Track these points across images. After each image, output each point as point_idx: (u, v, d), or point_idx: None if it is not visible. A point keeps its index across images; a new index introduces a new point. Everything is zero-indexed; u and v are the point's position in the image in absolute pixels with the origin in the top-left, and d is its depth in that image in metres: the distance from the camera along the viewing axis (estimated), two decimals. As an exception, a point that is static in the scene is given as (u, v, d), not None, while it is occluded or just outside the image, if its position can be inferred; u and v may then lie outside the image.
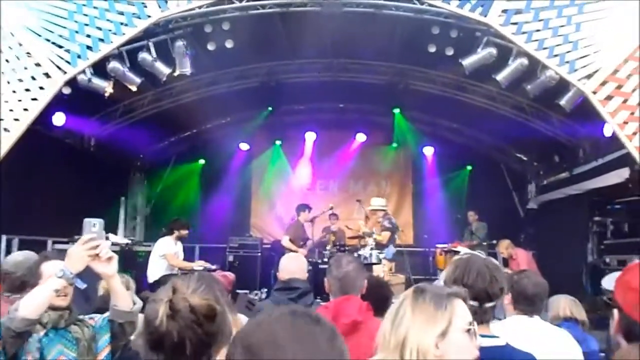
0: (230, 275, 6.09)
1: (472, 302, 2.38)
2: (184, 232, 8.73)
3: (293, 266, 4.09)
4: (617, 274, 1.92)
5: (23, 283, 3.43)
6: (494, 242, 10.90)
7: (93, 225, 2.59)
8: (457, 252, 10.61)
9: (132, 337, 3.00)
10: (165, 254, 8.39)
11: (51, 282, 2.53)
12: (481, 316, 2.40)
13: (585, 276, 10.58)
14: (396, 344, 1.69)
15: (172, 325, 1.58)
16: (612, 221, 10.17)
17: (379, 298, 3.82)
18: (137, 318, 2.79)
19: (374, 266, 8.76)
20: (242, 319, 4.23)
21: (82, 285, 2.88)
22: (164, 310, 1.59)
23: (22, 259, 3.67)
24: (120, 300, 2.73)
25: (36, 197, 9.01)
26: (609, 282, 1.90)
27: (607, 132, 8.51)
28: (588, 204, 10.72)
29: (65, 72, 7.28)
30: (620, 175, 8.92)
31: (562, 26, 7.03)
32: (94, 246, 2.53)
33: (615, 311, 1.71)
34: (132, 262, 9.38)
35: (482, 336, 2.39)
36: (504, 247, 9.88)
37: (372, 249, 9.00)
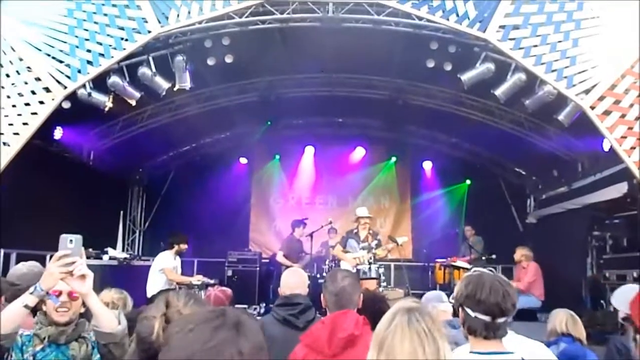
0: (228, 290, 6.03)
1: (484, 317, 2.39)
2: (184, 246, 8.70)
3: (294, 281, 4.06)
4: (627, 291, 1.85)
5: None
6: (493, 256, 10.88)
7: (69, 242, 2.49)
8: (456, 267, 10.61)
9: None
10: (163, 268, 8.35)
11: (22, 298, 2.48)
12: (493, 331, 2.40)
13: (584, 290, 10.56)
14: None
15: None
16: (611, 235, 10.15)
17: (375, 312, 3.80)
18: (122, 339, 2.65)
19: (367, 281, 8.65)
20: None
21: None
22: (160, 325, 1.59)
23: (26, 270, 3.67)
24: (99, 321, 2.61)
25: (35, 211, 8.98)
26: (619, 300, 1.82)
27: (606, 146, 8.53)
28: (587, 219, 10.71)
29: (65, 87, 7.32)
30: (619, 189, 8.91)
31: (560, 41, 7.08)
32: (67, 263, 2.44)
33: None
34: (130, 277, 9.33)
35: (495, 353, 2.38)
36: (522, 253, 9.71)
37: (370, 263, 8.94)
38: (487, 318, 2.38)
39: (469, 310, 2.44)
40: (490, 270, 2.65)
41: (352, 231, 9.42)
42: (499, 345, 2.42)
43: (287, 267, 9.43)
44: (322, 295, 3.42)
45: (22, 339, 2.77)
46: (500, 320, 2.41)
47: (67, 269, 2.44)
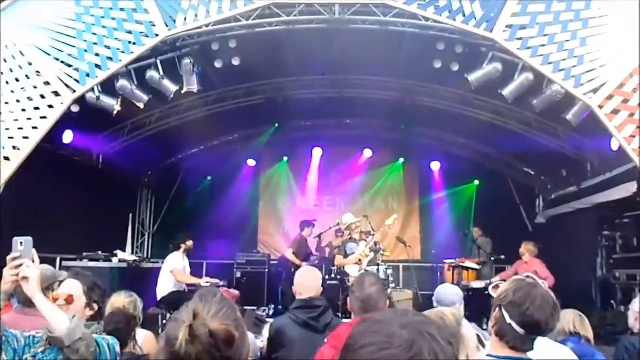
0: (234, 292, 6.05)
1: (518, 329, 2.31)
2: (190, 243, 8.77)
3: (310, 282, 4.09)
4: None
5: None
6: (502, 257, 10.84)
7: (20, 244, 2.51)
8: (465, 268, 10.59)
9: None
10: (172, 269, 8.41)
11: None
12: (522, 343, 2.34)
13: (595, 290, 10.51)
14: None
15: (191, 349, 1.59)
16: (621, 235, 10.10)
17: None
18: (73, 343, 2.52)
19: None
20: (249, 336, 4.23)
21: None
22: (184, 335, 1.60)
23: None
24: (49, 324, 2.52)
25: (45, 214, 9.04)
26: None
27: (615, 145, 8.48)
28: (597, 218, 10.66)
29: (74, 91, 7.37)
30: (628, 189, 8.87)
31: (567, 41, 7.06)
32: (17, 265, 2.46)
33: None
34: (140, 279, 9.39)
35: (512, 359, 2.34)
36: (528, 248, 9.67)
37: (379, 264, 8.95)
38: (521, 331, 2.31)
39: (506, 315, 2.36)
40: (499, 271, 2.62)
41: (347, 240, 9.59)
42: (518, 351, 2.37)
43: (296, 265, 9.50)
44: (348, 300, 3.53)
45: (25, 340, 2.77)
46: (533, 336, 2.35)
47: (16, 272, 2.46)
